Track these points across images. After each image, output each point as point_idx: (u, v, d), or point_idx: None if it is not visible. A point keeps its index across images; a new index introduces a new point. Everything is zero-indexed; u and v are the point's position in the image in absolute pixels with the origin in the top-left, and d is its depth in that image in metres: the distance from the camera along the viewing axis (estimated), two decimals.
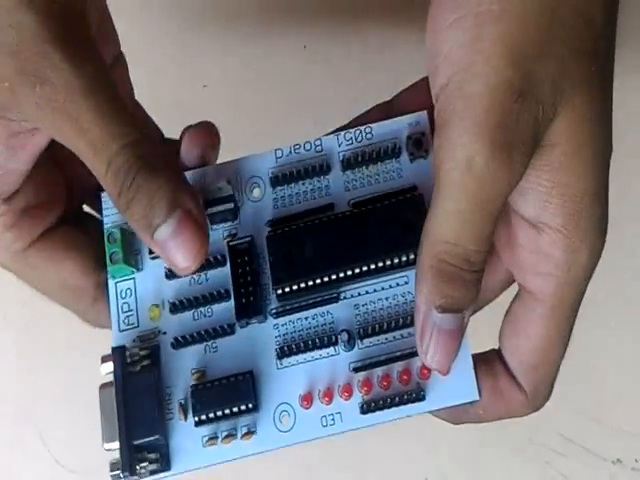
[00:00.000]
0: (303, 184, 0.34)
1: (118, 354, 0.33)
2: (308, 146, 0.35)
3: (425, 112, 0.34)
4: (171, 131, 0.36)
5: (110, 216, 0.35)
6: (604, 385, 0.33)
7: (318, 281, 0.33)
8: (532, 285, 0.32)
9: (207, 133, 0.34)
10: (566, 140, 0.29)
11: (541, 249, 0.31)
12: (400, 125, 0.34)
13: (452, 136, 0.29)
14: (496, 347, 0.33)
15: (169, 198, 0.30)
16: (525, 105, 0.29)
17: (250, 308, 0.33)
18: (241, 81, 0.36)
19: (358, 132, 0.34)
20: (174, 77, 0.45)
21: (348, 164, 0.34)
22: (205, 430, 0.33)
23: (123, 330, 0.34)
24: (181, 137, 0.34)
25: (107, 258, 0.34)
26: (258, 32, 0.49)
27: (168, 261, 0.31)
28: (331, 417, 0.32)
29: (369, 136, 0.34)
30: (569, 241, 0.30)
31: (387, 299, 0.33)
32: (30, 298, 0.34)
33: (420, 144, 0.34)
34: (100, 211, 0.35)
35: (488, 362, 0.33)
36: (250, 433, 0.32)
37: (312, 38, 0.52)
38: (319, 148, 0.34)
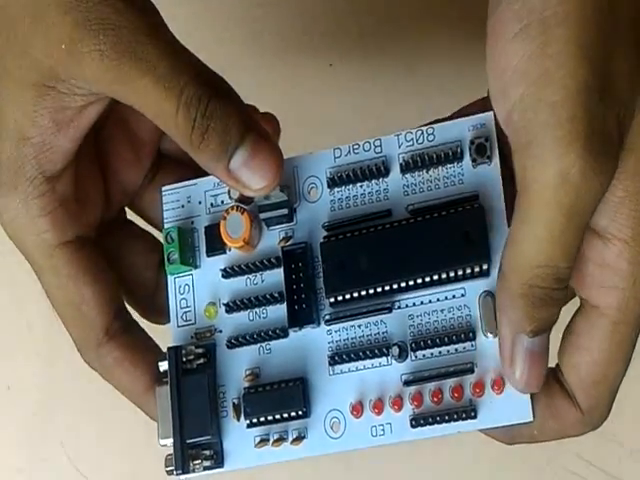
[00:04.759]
0: (361, 186, 0.33)
1: (173, 354, 0.33)
2: (367, 146, 0.33)
3: (492, 113, 0.32)
4: None
5: (170, 211, 0.35)
6: (624, 406, 0.32)
7: (372, 291, 0.32)
8: (596, 299, 0.30)
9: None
10: None
11: (607, 261, 0.30)
12: (464, 126, 0.32)
13: (541, 152, 0.27)
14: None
15: (243, 121, 0.30)
16: (608, 105, 0.27)
17: (302, 317, 0.33)
18: (265, 99, 0.36)
19: (419, 133, 0.33)
20: None
21: (407, 167, 0.33)
22: (257, 431, 0.33)
23: (181, 326, 0.35)
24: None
25: (165, 257, 0.34)
26: (284, 49, 0.49)
27: (243, 188, 0.31)
28: (381, 427, 0.32)
29: (431, 137, 0.33)
30: (635, 253, 0.29)
31: (442, 311, 0.32)
32: (54, 310, 0.34)
33: (483, 150, 0.32)
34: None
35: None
36: (300, 438, 0.33)
37: (338, 56, 0.51)
38: (378, 149, 0.33)
